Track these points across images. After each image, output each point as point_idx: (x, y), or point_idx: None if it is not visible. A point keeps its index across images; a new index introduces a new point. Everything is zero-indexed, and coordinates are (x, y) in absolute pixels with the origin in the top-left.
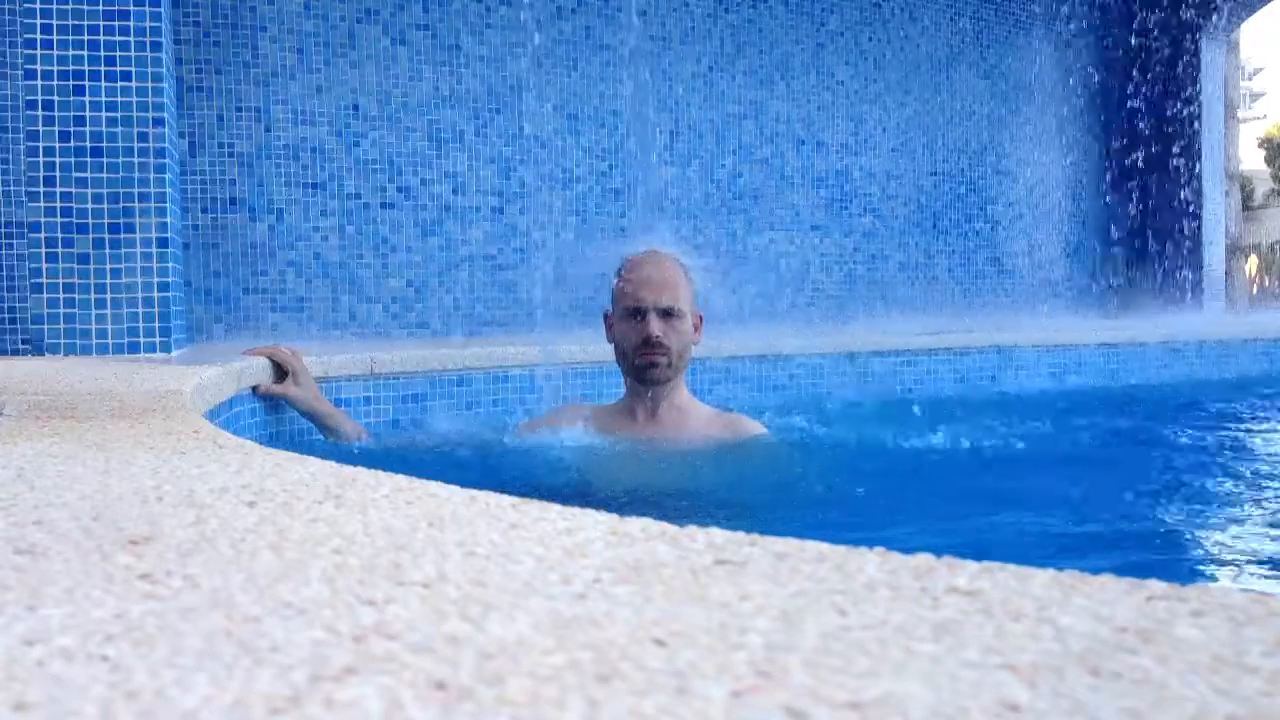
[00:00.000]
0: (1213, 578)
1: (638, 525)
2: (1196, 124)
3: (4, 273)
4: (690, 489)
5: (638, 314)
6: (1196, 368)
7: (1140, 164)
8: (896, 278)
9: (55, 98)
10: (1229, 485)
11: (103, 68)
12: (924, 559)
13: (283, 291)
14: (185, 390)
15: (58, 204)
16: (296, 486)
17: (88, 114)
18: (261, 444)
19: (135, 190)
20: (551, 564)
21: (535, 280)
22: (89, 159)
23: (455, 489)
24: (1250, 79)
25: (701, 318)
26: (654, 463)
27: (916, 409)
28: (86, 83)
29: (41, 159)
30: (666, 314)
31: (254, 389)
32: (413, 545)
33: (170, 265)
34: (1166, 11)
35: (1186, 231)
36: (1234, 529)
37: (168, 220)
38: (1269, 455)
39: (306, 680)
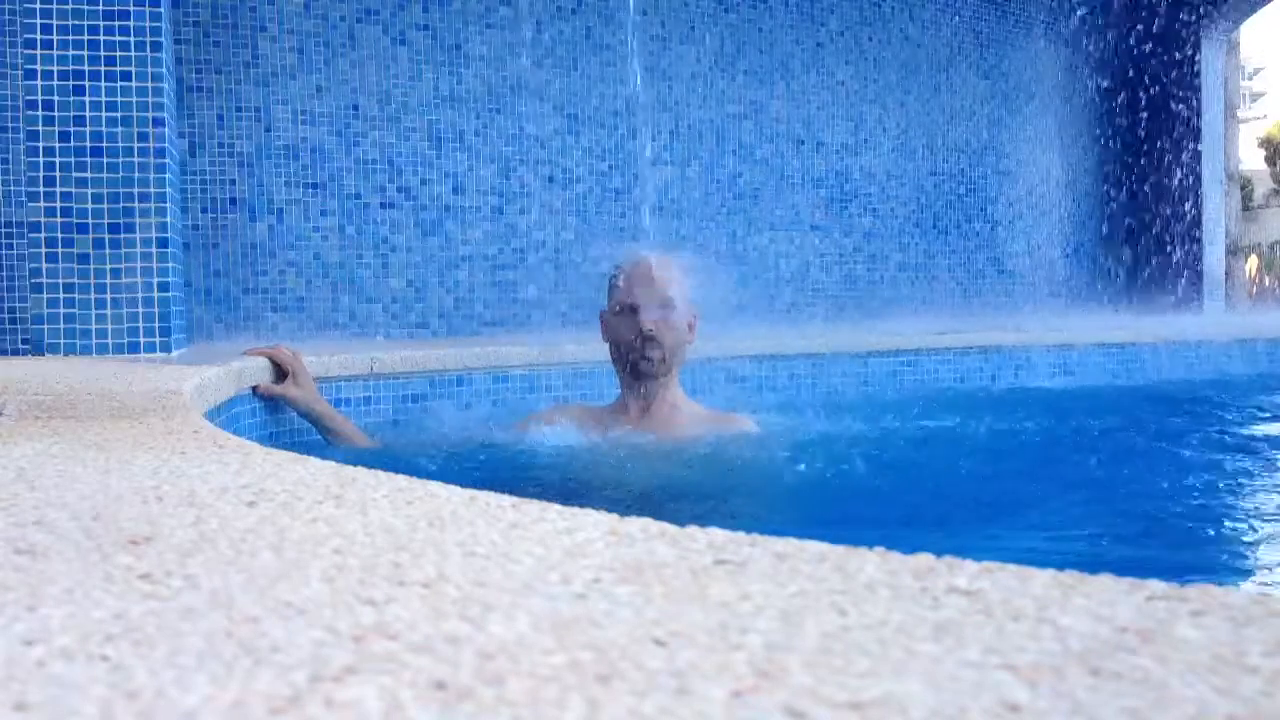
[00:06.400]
0: (1213, 578)
1: (638, 525)
2: (1196, 124)
3: (4, 273)
4: (683, 486)
5: (632, 310)
6: (1196, 368)
7: (1140, 164)
8: (896, 278)
9: (55, 98)
10: (1229, 485)
11: (103, 68)
12: (924, 559)
13: (282, 291)
14: (185, 390)
15: (58, 204)
16: (296, 486)
17: (88, 114)
18: (261, 444)
19: (135, 190)
20: (551, 564)
21: (535, 280)
22: (89, 159)
23: (455, 489)
24: (1250, 79)
25: (696, 317)
26: (647, 460)
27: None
28: (86, 83)
29: (41, 159)
30: (660, 310)
31: (254, 389)
32: (413, 545)
33: (170, 265)
34: (1167, 11)
35: (1186, 231)
36: (1234, 529)
37: (168, 220)
38: (1268, 455)
39: (306, 680)
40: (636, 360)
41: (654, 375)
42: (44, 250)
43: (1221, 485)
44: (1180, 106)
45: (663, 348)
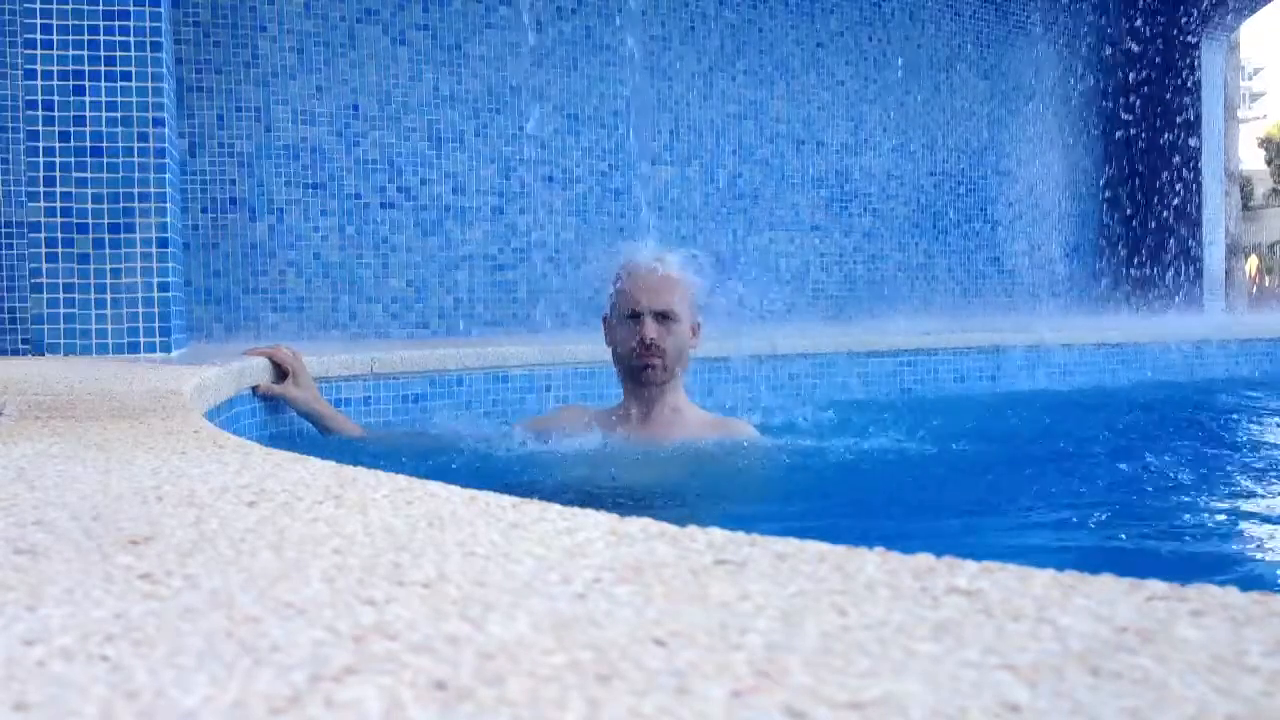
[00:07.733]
0: (1213, 578)
1: (638, 525)
2: (1196, 124)
3: (4, 273)
4: (683, 489)
5: (634, 317)
6: (1196, 368)
7: (1140, 164)
8: (896, 278)
9: (55, 98)
10: (1229, 485)
11: (103, 68)
12: (924, 559)
13: (283, 291)
14: (185, 390)
15: (58, 204)
16: (296, 486)
17: (88, 114)
18: (261, 444)
19: (135, 190)
20: (551, 564)
21: (535, 280)
22: (89, 159)
23: (455, 489)
24: (1250, 79)
25: (700, 323)
26: (648, 463)
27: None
28: (86, 83)
29: (41, 159)
30: (663, 318)
31: (254, 389)
32: (413, 545)
33: (170, 265)
34: (1166, 11)
35: (1186, 231)
36: (1234, 529)
37: (168, 220)
38: (1268, 455)
39: (306, 680)
40: (639, 367)
41: (655, 382)
42: (44, 250)
43: (1222, 485)
44: (1180, 106)
45: (664, 355)
